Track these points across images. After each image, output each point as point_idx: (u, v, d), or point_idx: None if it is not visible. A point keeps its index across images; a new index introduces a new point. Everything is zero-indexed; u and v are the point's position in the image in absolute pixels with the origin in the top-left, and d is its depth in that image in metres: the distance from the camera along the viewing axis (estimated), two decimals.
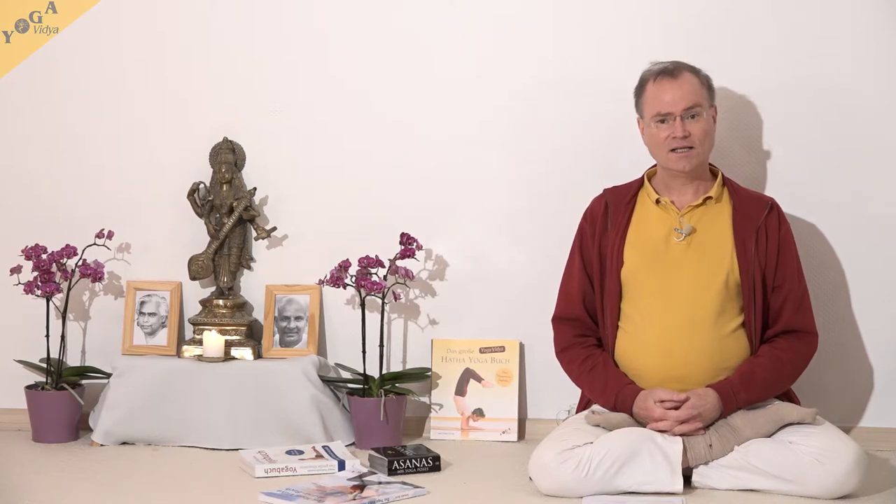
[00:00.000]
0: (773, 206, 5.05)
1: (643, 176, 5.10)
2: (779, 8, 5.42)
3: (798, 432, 4.71)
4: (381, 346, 5.39)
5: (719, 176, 5.06)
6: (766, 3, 5.42)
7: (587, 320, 5.07)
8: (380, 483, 4.74)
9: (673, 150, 4.93)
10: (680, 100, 4.92)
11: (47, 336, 5.39)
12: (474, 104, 5.54)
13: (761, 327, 4.97)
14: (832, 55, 5.40)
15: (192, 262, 5.44)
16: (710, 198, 5.00)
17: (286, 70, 5.57)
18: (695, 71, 5.03)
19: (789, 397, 5.01)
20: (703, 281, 4.93)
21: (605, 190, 5.13)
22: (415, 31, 5.55)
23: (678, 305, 4.91)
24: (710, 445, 4.70)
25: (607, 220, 5.07)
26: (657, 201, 5.02)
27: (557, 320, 5.11)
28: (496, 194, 5.54)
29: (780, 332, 4.98)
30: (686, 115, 4.92)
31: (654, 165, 5.09)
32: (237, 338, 5.42)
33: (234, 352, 5.40)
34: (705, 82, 5.04)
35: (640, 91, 5.05)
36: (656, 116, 4.94)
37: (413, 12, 5.55)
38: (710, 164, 5.06)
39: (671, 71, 4.97)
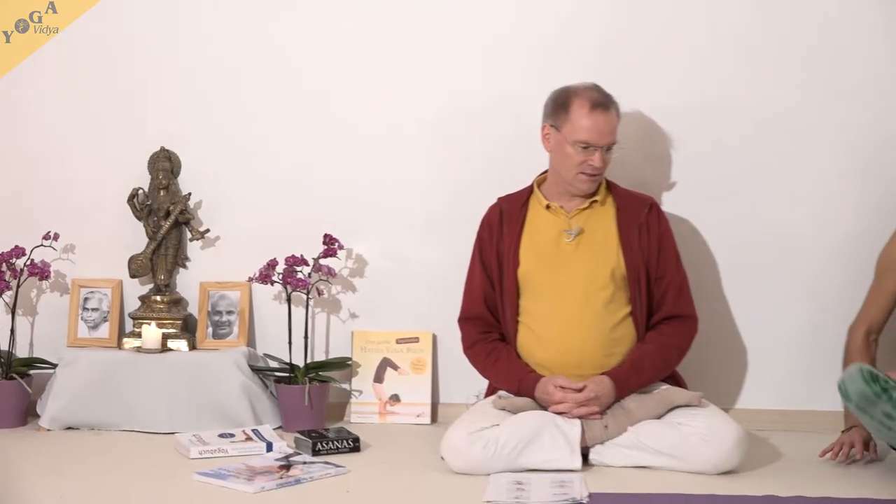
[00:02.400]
0: (652, 206, 5.09)
1: (533, 183, 5.11)
2: (676, 36, 5.42)
3: (685, 414, 4.76)
4: (306, 337, 5.39)
5: (604, 181, 5.08)
6: (666, 32, 5.42)
7: (489, 318, 5.08)
8: (304, 463, 4.74)
9: (583, 172, 4.94)
10: (607, 135, 4.93)
11: None
12: (395, 115, 5.53)
13: (647, 315, 5.01)
14: (720, 77, 5.44)
15: (132, 261, 5.42)
16: (595, 201, 5.02)
17: (219, 82, 5.53)
18: (615, 105, 5.02)
19: (677, 381, 5.06)
20: (592, 276, 4.95)
21: (500, 198, 5.15)
22: (340, 43, 5.51)
23: (571, 299, 4.93)
24: (606, 427, 4.73)
25: (503, 225, 5.08)
26: (547, 206, 5.03)
27: (463, 320, 5.14)
28: (411, 198, 5.53)
29: (663, 318, 5.02)
30: (605, 147, 4.94)
31: (544, 172, 5.10)
32: (173, 331, 5.41)
33: (171, 343, 5.38)
34: (619, 113, 5.04)
35: (565, 107, 4.99)
36: (581, 143, 4.92)
37: (341, 25, 5.52)
38: None
39: (605, 105, 4.95)
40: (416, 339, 5.51)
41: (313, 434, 4.98)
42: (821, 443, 5.06)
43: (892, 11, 5.38)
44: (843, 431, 4.90)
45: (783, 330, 5.51)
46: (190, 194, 5.46)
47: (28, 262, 5.34)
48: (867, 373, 4.50)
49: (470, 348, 5.09)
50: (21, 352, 5.46)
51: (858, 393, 4.49)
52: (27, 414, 5.32)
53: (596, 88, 4.98)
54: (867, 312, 5.03)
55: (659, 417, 4.78)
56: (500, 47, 5.48)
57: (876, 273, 5.02)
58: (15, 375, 5.29)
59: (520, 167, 5.22)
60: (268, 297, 5.53)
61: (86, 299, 5.46)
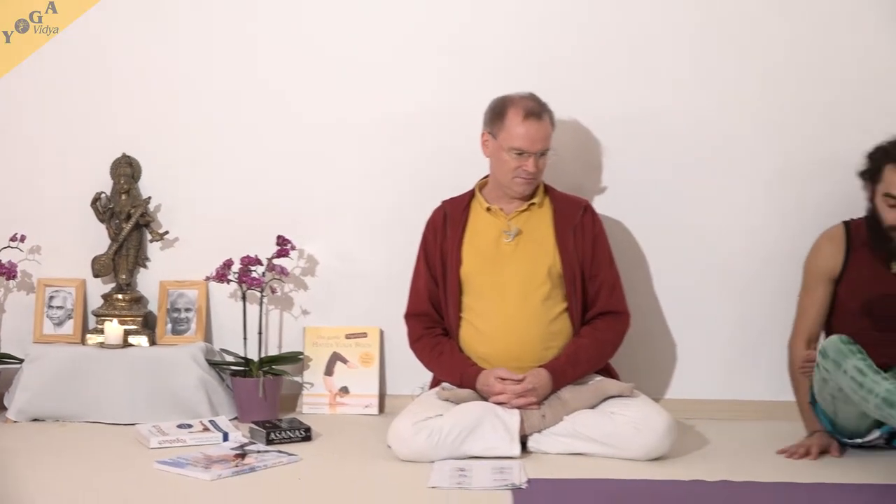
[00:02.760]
0: (587, 208, 5.11)
1: (474, 187, 5.14)
2: (613, 50, 5.45)
3: (618, 404, 4.81)
4: (260, 333, 5.41)
5: (541, 184, 5.10)
6: (603, 47, 5.45)
7: (434, 314, 5.10)
8: (259, 451, 4.75)
9: (518, 177, 4.97)
10: (539, 142, 4.95)
11: None
12: (345, 123, 5.51)
13: (582, 311, 5.03)
14: (649, 90, 5.47)
15: (95, 261, 5.42)
16: (533, 203, 5.05)
17: (179, 89, 5.51)
18: (549, 113, 5.03)
19: (610, 373, 5.09)
20: (530, 274, 4.98)
21: (444, 202, 5.17)
22: (296, 48, 5.51)
23: (510, 296, 4.95)
24: (544, 416, 4.79)
25: (446, 227, 5.10)
26: (488, 209, 5.06)
27: (408, 316, 5.15)
28: (360, 202, 5.54)
29: (597, 313, 5.04)
30: (539, 153, 4.97)
31: (486, 177, 5.13)
32: (134, 327, 5.39)
33: (132, 339, 5.37)
34: (553, 120, 5.05)
35: (501, 115, 5.01)
36: (515, 150, 4.95)
37: (297, 31, 5.51)
38: None
39: (538, 114, 4.97)
40: (365, 335, 5.53)
41: (267, 424, 4.98)
42: (745, 430, 5.21)
43: (812, 19, 5.45)
44: (806, 436, 4.91)
45: (709, 324, 5.54)
46: (150, 198, 5.45)
47: None
48: (846, 338, 4.58)
49: (415, 343, 5.11)
50: None
51: (834, 348, 4.57)
52: None
53: (531, 98, 5.01)
54: (804, 324, 5.03)
55: (593, 407, 4.83)
56: (446, 60, 5.50)
57: (805, 283, 5.04)
58: None
59: (462, 172, 5.23)
60: (224, 295, 5.53)
61: (51, 298, 5.43)
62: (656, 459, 4.72)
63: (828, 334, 4.94)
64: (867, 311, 4.83)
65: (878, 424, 4.67)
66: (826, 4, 5.46)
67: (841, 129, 5.46)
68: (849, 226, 4.95)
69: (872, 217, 4.83)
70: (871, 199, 4.83)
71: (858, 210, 5.07)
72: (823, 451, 4.80)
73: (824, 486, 4.47)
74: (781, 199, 5.52)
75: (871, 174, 4.80)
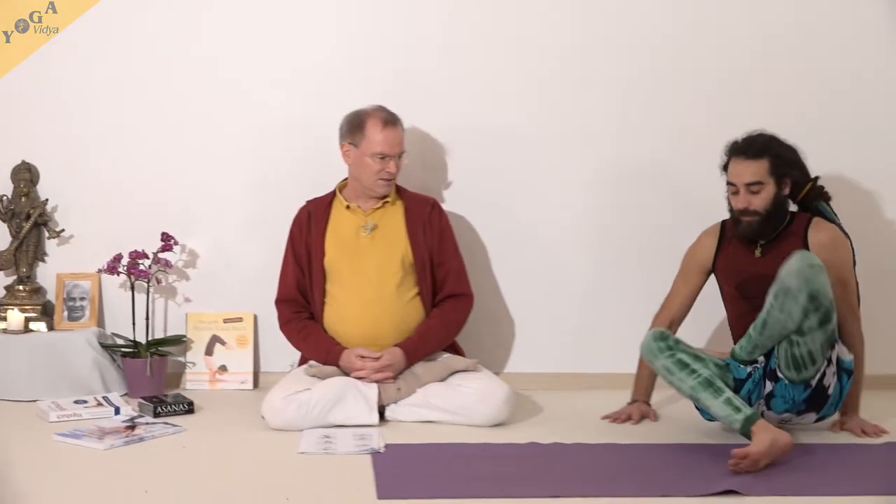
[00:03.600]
0: (434, 205, 5.23)
1: (335, 188, 5.21)
2: (448, 65, 5.57)
3: (464, 377, 4.96)
4: (147, 319, 5.44)
5: (394, 185, 5.18)
6: (436, 61, 5.56)
7: (301, 300, 5.15)
8: (147, 423, 4.80)
9: (381, 178, 5.07)
10: (397, 146, 5.05)
11: None
12: (220, 136, 5.56)
13: (431, 295, 5.15)
14: (490, 100, 5.59)
15: None
16: (387, 202, 5.15)
17: (69, 102, 5.50)
18: (400, 121, 5.11)
19: (457, 350, 5.21)
20: (385, 264, 5.08)
21: (308, 201, 5.22)
22: (174, 56, 5.51)
23: (368, 283, 5.06)
24: (399, 389, 4.92)
25: (310, 223, 5.15)
26: (347, 207, 5.14)
27: (278, 302, 5.20)
28: (235, 202, 5.59)
29: (445, 297, 5.17)
30: (397, 156, 5.07)
31: (344, 180, 5.19)
32: (34, 314, 5.42)
33: (32, 325, 5.39)
34: (403, 129, 5.14)
35: (360, 126, 5.07)
36: (378, 154, 5.03)
37: (175, 40, 5.51)
38: None
39: (394, 121, 5.05)
40: (240, 319, 5.57)
41: (154, 399, 5.01)
42: (575, 400, 5.36)
43: (632, 32, 5.56)
44: (628, 403, 5.02)
45: (544, 305, 5.65)
46: (47, 200, 5.47)
47: None
48: (658, 332, 4.63)
49: (285, 325, 5.18)
50: None
51: (646, 347, 4.63)
52: None
53: (383, 109, 5.08)
54: (671, 305, 5.02)
55: (442, 381, 4.96)
56: (307, 75, 5.55)
57: (683, 268, 5.01)
58: None
59: (323, 175, 5.30)
60: (115, 286, 5.51)
61: None
62: (498, 426, 4.84)
63: (728, 318, 4.98)
64: (743, 294, 4.84)
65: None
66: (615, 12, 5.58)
67: (650, 135, 5.63)
68: (725, 223, 4.93)
69: (729, 206, 4.84)
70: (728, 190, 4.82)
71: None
72: (643, 417, 4.96)
73: (641, 446, 4.62)
74: (599, 196, 5.66)
75: (725, 167, 4.82)
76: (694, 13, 5.61)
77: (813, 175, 4.87)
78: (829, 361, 4.64)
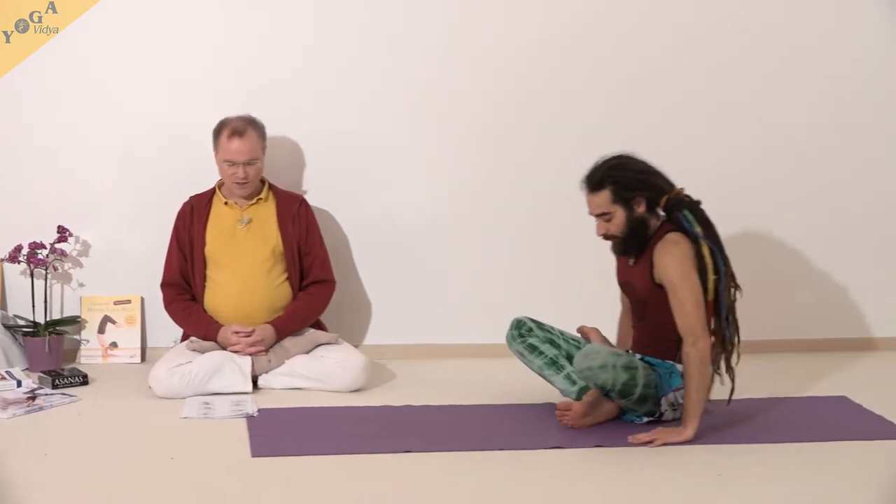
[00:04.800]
0: (302, 201, 5.31)
1: (215, 186, 5.27)
2: (315, 72, 5.59)
3: (327, 349, 5.10)
4: (46, 302, 5.47)
5: (266, 184, 5.28)
6: (308, 70, 5.58)
7: (183, 283, 5.24)
8: (46, 394, 4.85)
9: (234, 182, 5.13)
10: (244, 154, 5.08)
11: None
12: (110, 137, 5.53)
13: (299, 280, 5.25)
14: (348, 108, 5.61)
15: None
16: (261, 198, 5.25)
17: None
18: (256, 127, 5.12)
19: (320, 326, 5.32)
20: (259, 253, 5.17)
21: (191, 197, 5.29)
22: (75, 54, 5.44)
23: (243, 269, 5.17)
24: (270, 360, 5.05)
25: (193, 216, 5.21)
26: (225, 202, 5.22)
27: (163, 285, 5.29)
28: (125, 197, 5.59)
29: (311, 282, 5.28)
30: (247, 163, 5.10)
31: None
32: None
33: None
34: (262, 134, 5.17)
35: (218, 135, 5.13)
36: (227, 161, 5.10)
37: (78, 36, 5.41)
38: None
39: (242, 132, 5.06)
40: (129, 301, 5.61)
41: (52, 373, 5.05)
42: (423, 368, 5.43)
43: (509, 35, 5.64)
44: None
45: (397, 286, 5.74)
46: None
47: None
48: (514, 322, 4.69)
49: (169, 306, 5.27)
50: None
51: (507, 335, 4.71)
52: None
53: (240, 119, 5.10)
54: (623, 297, 4.83)
55: (308, 353, 5.09)
56: (187, 84, 5.55)
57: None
58: None
59: (199, 174, 5.36)
60: (17, 273, 5.51)
61: None
62: (357, 391, 4.98)
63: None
64: (625, 301, 4.81)
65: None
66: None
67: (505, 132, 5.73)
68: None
69: None
70: None
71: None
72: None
73: (483, 406, 4.76)
74: (444, 188, 5.74)
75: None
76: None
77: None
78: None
